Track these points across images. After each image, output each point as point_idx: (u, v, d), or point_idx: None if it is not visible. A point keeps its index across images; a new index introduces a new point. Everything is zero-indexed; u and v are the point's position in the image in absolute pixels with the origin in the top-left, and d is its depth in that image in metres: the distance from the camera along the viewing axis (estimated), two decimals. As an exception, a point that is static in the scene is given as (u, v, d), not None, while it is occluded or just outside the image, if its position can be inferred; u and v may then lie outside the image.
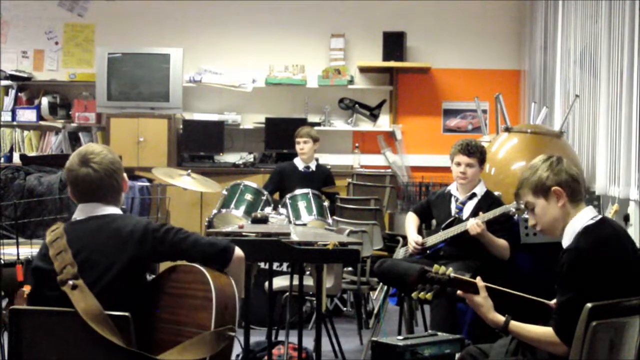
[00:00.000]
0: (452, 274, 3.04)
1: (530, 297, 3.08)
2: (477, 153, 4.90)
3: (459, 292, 3.04)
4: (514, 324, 2.96)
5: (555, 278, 2.89)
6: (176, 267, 2.80)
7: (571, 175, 3.00)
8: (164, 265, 2.99)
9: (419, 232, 5.12)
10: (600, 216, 2.99)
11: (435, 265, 3.05)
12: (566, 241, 2.95)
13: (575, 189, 2.99)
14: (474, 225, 4.62)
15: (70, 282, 2.66)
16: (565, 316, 2.83)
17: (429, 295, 3.04)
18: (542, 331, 2.91)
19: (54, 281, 2.69)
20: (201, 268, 2.71)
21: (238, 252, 2.84)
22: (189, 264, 2.77)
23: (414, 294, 3.05)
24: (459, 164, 4.91)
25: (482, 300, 3.01)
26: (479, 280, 3.03)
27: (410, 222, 5.12)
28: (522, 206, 3.10)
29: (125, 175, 2.93)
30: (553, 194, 2.98)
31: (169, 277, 2.80)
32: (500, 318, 2.98)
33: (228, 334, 2.63)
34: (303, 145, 6.81)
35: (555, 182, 2.98)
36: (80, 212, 2.86)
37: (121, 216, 2.87)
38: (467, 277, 3.09)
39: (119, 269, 2.71)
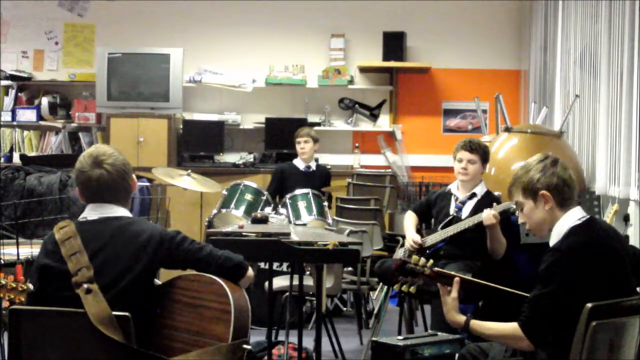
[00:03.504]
0: (435, 268, 3.03)
1: (519, 293, 3.07)
2: (479, 150, 4.91)
3: (438, 284, 3.03)
4: (475, 323, 2.97)
5: (537, 275, 2.90)
6: (187, 276, 2.80)
7: (563, 179, 2.98)
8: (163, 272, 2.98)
9: (419, 232, 5.12)
10: (587, 217, 2.98)
11: (414, 257, 3.04)
12: (553, 241, 2.96)
13: (566, 194, 2.97)
14: (489, 216, 4.60)
15: (85, 286, 2.65)
16: (534, 311, 2.84)
17: (412, 289, 3.03)
18: (505, 327, 2.92)
19: (65, 281, 2.68)
20: (218, 279, 2.72)
21: (250, 270, 2.86)
22: (201, 274, 2.77)
23: (396, 287, 3.05)
24: (460, 160, 4.93)
25: (450, 299, 3.01)
26: (456, 280, 3.02)
27: (409, 221, 5.12)
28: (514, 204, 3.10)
29: (134, 176, 2.94)
30: (541, 197, 2.98)
31: (181, 286, 2.79)
32: (461, 318, 2.98)
33: (243, 347, 2.65)
34: (304, 145, 6.81)
35: (544, 185, 2.97)
36: (91, 212, 2.85)
37: (136, 220, 2.87)
38: (447, 271, 3.08)
39: (134, 275, 2.71)
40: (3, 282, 3.05)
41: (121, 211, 2.86)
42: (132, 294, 2.71)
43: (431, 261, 3.05)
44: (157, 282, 2.95)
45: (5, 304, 3.04)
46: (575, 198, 3.01)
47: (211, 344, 2.64)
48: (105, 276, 2.69)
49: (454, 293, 3.00)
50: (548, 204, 2.96)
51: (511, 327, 2.89)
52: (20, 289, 3.02)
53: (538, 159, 3.04)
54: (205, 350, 2.63)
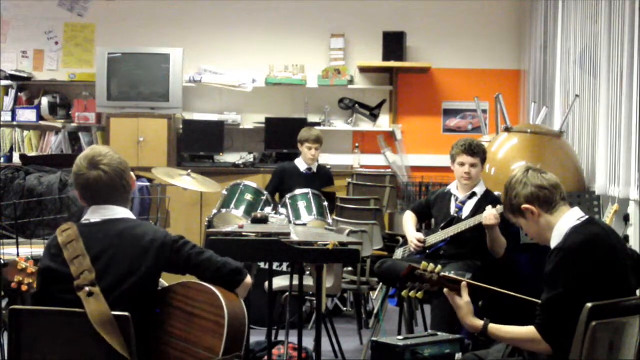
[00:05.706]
0: (442, 273, 3.04)
1: (523, 297, 3.07)
2: (480, 153, 4.92)
3: (445, 290, 3.03)
4: (493, 327, 2.96)
5: (543, 278, 2.90)
6: (187, 283, 2.79)
7: (538, 185, 2.99)
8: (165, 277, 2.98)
9: (418, 232, 5.12)
10: (587, 217, 2.99)
11: (424, 263, 3.05)
12: (554, 242, 2.96)
13: (547, 198, 2.98)
14: (490, 216, 4.60)
15: (87, 289, 2.65)
16: (550, 314, 2.84)
17: (420, 294, 3.04)
18: (523, 330, 2.91)
19: (67, 284, 2.68)
20: (214, 289, 2.70)
21: (249, 278, 2.85)
22: (201, 282, 2.76)
23: (404, 293, 3.05)
24: (462, 165, 4.91)
25: (463, 303, 3.00)
26: (463, 284, 3.02)
27: (409, 221, 5.13)
28: None
29: (132, 174, 2.94)
30: (526, 211, 2.99)
31: (180, 292, 2.79)
32: (479, 322, 2.97)
33: None
34: (315, 152, 6.72)
35: (523, 199, 2.99)
36: (93, 214, 2.85)
37: (139, 223, 2.86)
38: (454, 276, 3.08)
39: (137, 278, 2.71)
40: (24, 266, 3.07)
41: (123, 212, 2.86)
42: (134, 297, 2.71)
43: (439, 267, 3.05)
44: (164, 283, 2.95)
45: (23, 288, 3.06)
46: (560, 197, 3.01)
47: (202, 355, 2.63)
48: (107, 279, 2.69)
49: (466, 297, 2.99)
50: (535, 215, 2.98)
51: (529, 330, 2.88)
52: None
53: (510, 177, 3.08)
54: None
